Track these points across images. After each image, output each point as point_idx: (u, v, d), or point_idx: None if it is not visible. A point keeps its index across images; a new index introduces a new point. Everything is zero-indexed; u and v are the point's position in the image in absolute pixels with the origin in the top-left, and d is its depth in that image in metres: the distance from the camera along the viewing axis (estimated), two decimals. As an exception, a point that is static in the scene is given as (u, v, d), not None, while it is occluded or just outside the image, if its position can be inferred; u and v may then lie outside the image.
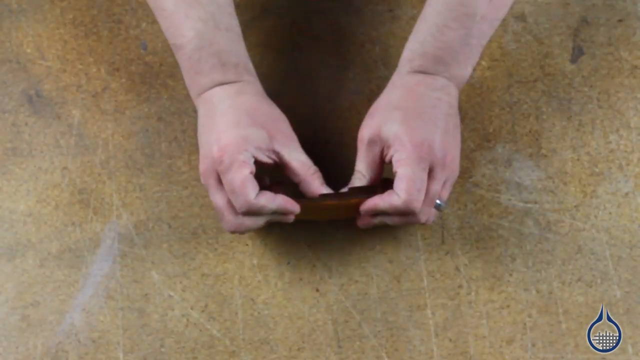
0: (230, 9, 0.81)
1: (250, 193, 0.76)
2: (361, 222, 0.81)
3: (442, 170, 0.78)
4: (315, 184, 0.80)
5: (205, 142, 0.78)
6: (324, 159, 0.88)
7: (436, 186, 0.78)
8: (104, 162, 0.89)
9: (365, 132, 0.80)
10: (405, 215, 0.78)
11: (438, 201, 0.79)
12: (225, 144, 0.76)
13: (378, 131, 0.78)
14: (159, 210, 0.88)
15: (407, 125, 0.77)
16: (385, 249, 0.87)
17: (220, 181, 0.78)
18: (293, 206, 0.78)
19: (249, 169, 0.76)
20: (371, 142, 0.79)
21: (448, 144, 0.78)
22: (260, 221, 0.79)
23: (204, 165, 0.78)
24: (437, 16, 0.79)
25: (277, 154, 0.78)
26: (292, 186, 0.81)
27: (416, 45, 0.80)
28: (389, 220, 0.80)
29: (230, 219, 0.78)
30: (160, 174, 0.89)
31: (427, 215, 0.79)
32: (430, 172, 0.77)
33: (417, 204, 0.76)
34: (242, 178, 0.76)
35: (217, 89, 0.79)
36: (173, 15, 0.79)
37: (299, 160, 0.79)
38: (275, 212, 0.78)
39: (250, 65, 0.81)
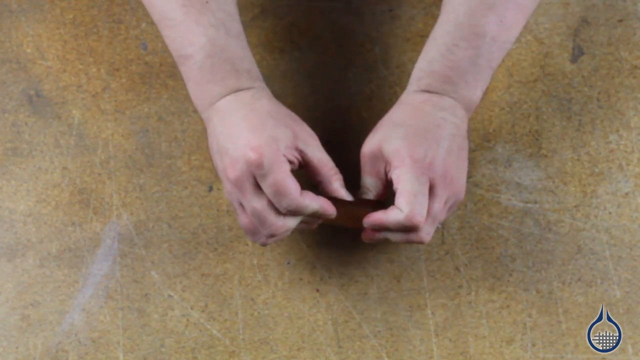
0: (237, 17, 0.80)
1: (296, 191, 0.75)
2: (365, 236, 0.80)
3: (444, 189, 0.76)
4: (335, 185, 0.79)
5: (233, 148, 0.76)
6: (324, 159, 0.88)
7: (437, 204, 0.76)
8: (104, 162, 0.89)
9: (367, 147, 0.79)
10: (408, 232, 0.77)
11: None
12: (259, 145, 0.74)
13: (379, 147, 0.78)
14: (159, 210, 0.88)
15: (408, 141, 0.76)
16: (385, 249, 0.87)
17: (256, 185, 0.76)
18: (332, 208, 0.78)
19: (289, 167, 0.75)
20: (374, 157, 0.78)
21: (450, 164, 0.76)
22: (294, 223, 0.78)
23: (236, 171, 0.75)
24: (446, 36, 0.78)
25: (301, 152, 0.77)
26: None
27: (424, 64, 0.79)
28: (392, 236, 0.78)
29: (273, 222, 0.76)
30: (160, 174, 0.89)
31: (431, 233, 0.78)
32: (431, 190, 0.76)
33: (420, 218, 0.75)
34: (287, 177, 0.75)
35: (231, 97, 0.78)
36: (182, 24, 0.78)
37: (321, 159, 0.78)
38: (315, 214, 0.77)
39: (260, 73, 0.80)
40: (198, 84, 0.78)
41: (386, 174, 0.78)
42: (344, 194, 0.79)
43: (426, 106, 0.78)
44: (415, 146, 0.76)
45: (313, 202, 0.76)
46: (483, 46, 0.77)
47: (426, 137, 0.76)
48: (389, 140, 0.77)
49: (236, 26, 0.79)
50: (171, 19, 0.78)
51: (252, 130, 0.76)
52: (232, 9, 0.80)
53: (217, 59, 0.77)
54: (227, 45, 0.78)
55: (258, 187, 0.76)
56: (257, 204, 0.76)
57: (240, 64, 0.78)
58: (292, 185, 0.75)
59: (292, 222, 0.77)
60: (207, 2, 0.78)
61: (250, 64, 0.79)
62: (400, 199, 0.75)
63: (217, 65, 0.77)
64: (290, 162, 0.76)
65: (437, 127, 0.77)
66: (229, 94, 0.78)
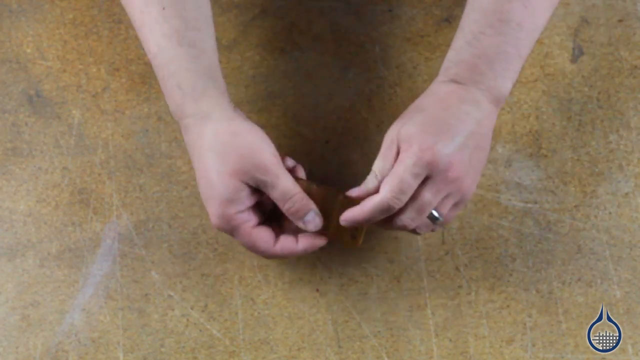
0: (198, 23, 0.78)
1: (267, 246, 0.77)
2: (344, 217, 0.79)
3: (443, 184, 0.75)
4: (305, 219, 0.78)
5: (202, 197, 0.77)
6: (324, 159, 0.88)
7: (428, 195, 0.75)
8: (104, 162, 0.89)
9: (388, 133, 0.78)
10: (385, 213, 0.76)
11: (435, 212, 0.77)
12: (214, 213, 0.76)
13: (398, 132, 0.77)
14: (159, 210, 0.88)
15: (422, 128, 0.75)
16: (385, 249, 0.87)
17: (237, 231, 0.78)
18: (320, 241, 0.78)
19: (251, 224, 0.76)
20: (391, 142, 0.77)
21: (458, 160, 0.75)
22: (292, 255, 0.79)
23: (213, 223, 0.77)
24: (472, 24, 0.78)
25: (259, 192, 0.77)
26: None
27: (452, 54, 0.79)
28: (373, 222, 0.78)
29: (269, 254, 0.78)
30: (160, 174, 0.89)
31: (415, 221, 0.77)
32: (427, 179, 0.75)
33: (395, 203, 0.74)
34: (252, 236, 0.76)
35: (183, 124, 0.78)
36: (141, 30, 0.78)
37: (281, 190, 0.76)
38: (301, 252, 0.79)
39: (212, 83, 0.78)
40: (163, 92, 0.79)
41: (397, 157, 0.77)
42: (302, 225, 0.78)
43: (451, 97, 0.77)
44: (426, 134, 0.75)
45: (288, 250, 0.78)
46: (509, 33, 0.77)
47: (442, 128, 0.75)
48: (407, 125, 0.76)
49: (191, 34, 0.77)
50: (134, 22, 0.79)
51: (205, 190, 0.76)
52: (191, 14, 0.78)
53: (165, 71, 0.77)
54: (175, 56, 0.77)
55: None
56: (246, 244, 0.78)
57: (185, 79, 0.77)
58: (260, 241, 0.77)
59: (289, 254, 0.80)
60: (164, 8, 0.77)
61: (197, 76, 0.77)
62: (387, 179, 0.75)
63: (166, 78, 0.78)
64: (253, 207, 0.77)
65: (456, 120, 0.76)
66: (181, 119, 0.78)
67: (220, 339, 0.85)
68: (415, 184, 0.75)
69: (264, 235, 0.77)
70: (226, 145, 0.76)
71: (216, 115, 0.77)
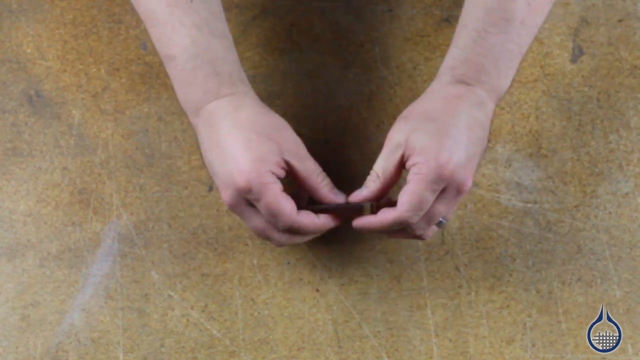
0: (222, 16, 0.79)
1: (291, 211, 0.75)
2: (356, 224, 0.80)
3: (455, 195, 0.76)
4: (323, 192, 0.78)
5: (221, 171, 0.76)
6: (324, 159, 0.87)
7: (442, 207, 0.76)
8: (104, 162, 0.89)
9: (396, 135, 0.77)
10: (398, 225, 0.76)
11: (441, 218, 0.77)
12: (245, 170, 0.74)
13: (407, 137, 0.76)
14: (159, 210, 0.88)
15: (437, 141, 0.75)
16: (385, 249, 0.87)
17: (251, 205, 0.76)
18: (331, 223, 0.78)
19: (279, 187, 0.75)
20: (398, 145, 0.76)
21: (471, 170, 0.76)
22: (300, 239, 0.78)
23: (229, 196, 0.76)
24: (476, 22, 0.77)
25: (287, 163, 0.77)
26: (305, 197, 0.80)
27: (457, 52, 0.78)
28: (382, 232, 0.78)
29: (276, 237, 0.77)
30: (160, 174, 0.89)
31: (424, 230, 0.77)
32: (442, 193, 0.75)
33: (413, 220, 0.75)
34: (279, 198, 0.75)
35: (213, 106, 0.77)
36: (167, 24, 0.77)
37: (306, 170, 0.78)
38: (314, 230, 0.77)
39: (244, 74, 0.80)
40: (182, 87, 0.78)
41: (401, 163, 0.77)
42: (334, 198, 0.79)
43: (462, 102, 0.77)
44: (443, 148, 0.74)
45: (309, 221, 0.77)
46: (513, 31, 0.77)
47: (456, 139, 0.75)
48: (418, 133, 0.76)
49: (220, 26, 0.79)
50: (156, 18, 0.78)
51: (237, 150, 0.75)
52: (216, 7, 0.79)
53: (199, 61, 0.77)
54: (210, 46, 0.77)
55: (253, 206, 0.76)
56: (257, 223, 0.77)
57: (222, 66, 0.77)
58: (285, 205, 0.75)
59: (297, 237, 0.78)
60: (191, 1, 0.77)
61: (233, 66, 0.78)
62: (404, 196, 0.75)
63: (198, 67, 0.77)
64: (279, 176, 0.76)
65: (468, 129, 0.76)
66: (210, 101, 0.77)
67: (220, 339, 0.85)
68: (433, 199, 0.75)
69: (290, 201, 0.76)
70: (265, 117, 0.78)
71: (252, 96, 0.79)
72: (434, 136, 0.75)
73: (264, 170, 0.75)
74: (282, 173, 0.76)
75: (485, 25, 0.77)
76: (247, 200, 0.76)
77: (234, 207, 0.77)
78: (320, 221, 0.77)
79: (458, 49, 0.79)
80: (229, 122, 0.76)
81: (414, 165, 0.75)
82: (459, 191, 0.76)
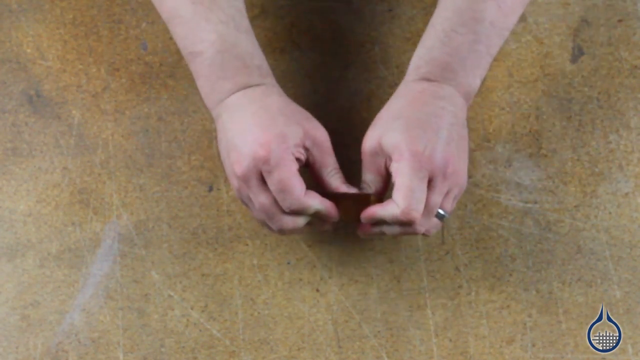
0: (245, 13, 0.80)
1: (301, 190, 0.75)
2: (361, 231, 0.80)
3: (443, 181, 0.76)
4: (335, 183, 0.79)
5: (241, 144, 0.76)
6: (324, 159, 0.88)
7: (436, 197, 0.76)
8: (104, 162, 0.89)
9: (367, 143, 0.78)
10: (404, 226, 0.77)
11: (441, 211, 0.77)
12: (267, 140, 0.75)
13: (379, 142, 0.77)
14: (159, 210, 0.88)
15: (407, 134, 0.75)
16: (385, 249, 0.87)
17: (263, 181, 0.76)
18: (335, 212, 0.78)
19: (296, 166, 0.76)
20: (374, 153, 0.77)
21: (450, 154, 0.76)
22: (302, 222, 0.78)
23: (243, 166, 0.76)
24: (445, 22, 0.78)
25: (307, 150, 0.77)
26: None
27: (423, 52, 0.79)
28: (387, 230, 0.78)
29: (278, 219, 0.77)
30: (160, 174, 0.89)
31: (426, 226, 0.78)
32: (430, 182, 0.75)
33: (416, 214, 0.75)
34: (292, 175, 0.75)
35: (240, 93, 0.78)
36: (192, 21, 0.78)
37: (322, 162, 0.78)
38: (318, 214, 0.77)
39: (269, 68, 0.80)
40: (208, 81, 0.78)
41: (386, 169, 0.78)
42: (345, 189, 0.79)
43: (424, 95, 0.78)
44: (414, 139, 0.75)
45: (316, 203, 0.76)
46: (482, 31, 0.77)
47: (425, 128, 0.76)
48: (388, 134, 0.76)
49: (245, 22, 0.79)
50: (181, 16, 0.78)
51: (261, 126, 0.76)
52: (240, 4, 0.80)
53: (227, 55, 0.77)
54: (237, 41, 0.78)
55: (264, 182, 0.76)
56: (264, 199, 0.77)
57: (250, 60, 0.78)
58: (296, 184, 0.75)
59: (300, 220, 0.78)
60: None
61: (260, 60, 0.79)
62: (397, 194, 0.75)
63: (227, 61, 0.77)
64: (298, 159, 0.76)
65: (436, 117, 0.76)
66: (239, 90, 0.78)
67: (220, 339, 0.85)
68: (424, 188, 0.75)
69: (302, 181, 0.76)
70: (293, 105, 0.79)
71: (280, 89, 0.80)
72: (402, 132, 0.76)
73: (285, 146, 0.75)
74: (301, 156, 0.77)
75: (453, 26, 0.78)
76: (259, 173, 0.76)
77: (245, 178, 0.76)
78: (325, 205, 0.77)
79: (425, 49, 0.79)
80: (256, 106, 0.77)
81: (392, 164, 0.76)
82: (444, 176, 0.75)
